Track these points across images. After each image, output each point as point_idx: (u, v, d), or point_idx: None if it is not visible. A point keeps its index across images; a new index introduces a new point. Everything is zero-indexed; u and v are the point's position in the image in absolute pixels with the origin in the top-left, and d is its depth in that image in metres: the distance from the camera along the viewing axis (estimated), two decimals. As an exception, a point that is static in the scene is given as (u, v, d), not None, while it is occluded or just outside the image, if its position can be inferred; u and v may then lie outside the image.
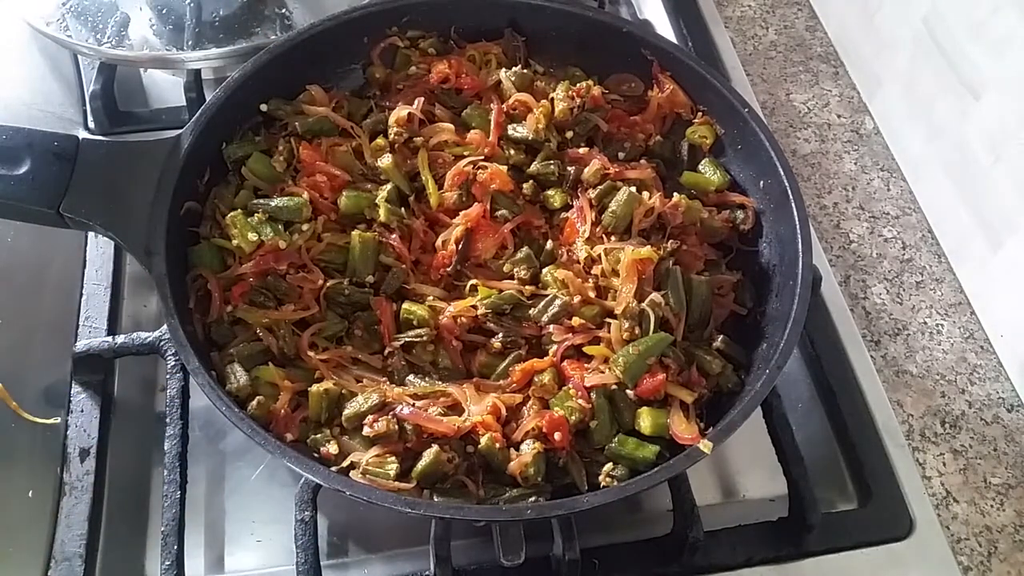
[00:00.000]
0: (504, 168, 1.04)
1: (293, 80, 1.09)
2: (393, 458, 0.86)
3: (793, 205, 0.97)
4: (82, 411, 1.00)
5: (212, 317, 0.95)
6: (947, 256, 1.24)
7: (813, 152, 1.37)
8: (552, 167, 1.05)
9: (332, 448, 0.87)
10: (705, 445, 0.84)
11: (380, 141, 1.06)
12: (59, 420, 1.00)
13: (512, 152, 1.07)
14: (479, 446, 0.88)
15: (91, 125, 1.27)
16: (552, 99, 1.10)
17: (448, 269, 1.00)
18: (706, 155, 1.11)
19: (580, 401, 0.90)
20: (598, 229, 1.01)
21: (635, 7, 1.48)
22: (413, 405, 0.89)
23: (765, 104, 1.41)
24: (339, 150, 1.06)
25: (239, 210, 0.98)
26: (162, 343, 0.99)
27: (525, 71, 1.13)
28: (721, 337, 0.97)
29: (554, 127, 1.09)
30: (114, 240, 0.95)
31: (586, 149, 1.07)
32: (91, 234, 1.15)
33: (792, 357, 0.91)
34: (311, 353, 0.94)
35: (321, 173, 1.03)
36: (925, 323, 1.19)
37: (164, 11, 1.27)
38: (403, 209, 1.03)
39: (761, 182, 1.04)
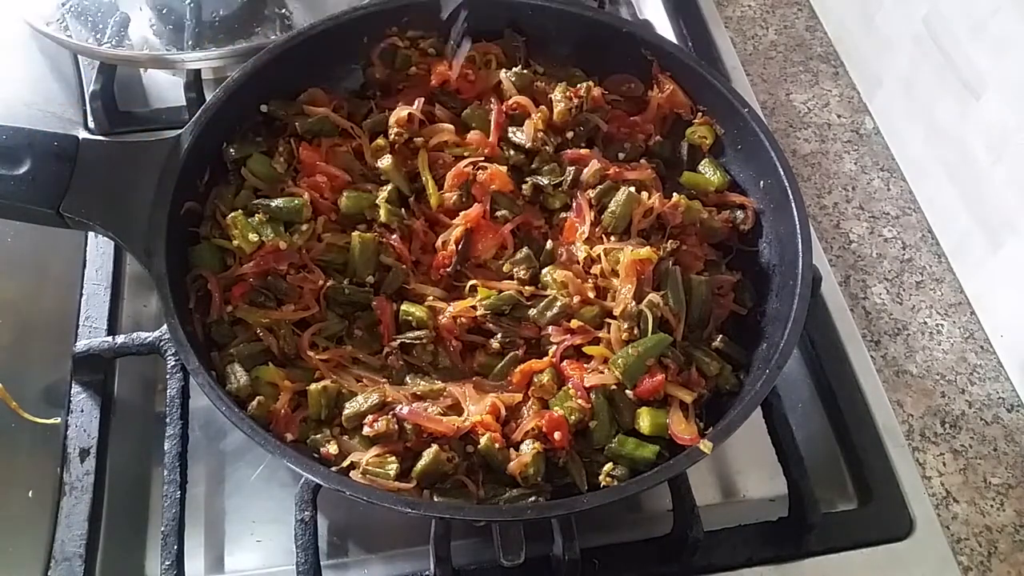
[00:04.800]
0: (504, 169, 1.04)
1: (293, 80, 1.09)
2: (393, 458, 0.86)
3: (793, 205, 0.97)
4: (82, 411, 1.00)
5: (212, 317, 0.95)
6: (947, 256, 1.24)
7: (813, 152, 1.37)
8: (547, 180, 1.04)
9: (332, 448, 0.87)
10: (705, 445, 0.84)
11: (380, 142, 1.06)
12: (59, 420, 1.00)
13: (512, 153, 1.07)
14: (479, 446, 0.88)
15: (91, 125, 1.27)
16: (551, 100, 1.10)
17: (448, 269, 1.00)
18: (706, 155, 1.11)
19: (580, 401, 0.90)
20: (597, 229, 1.01)
21: (635, 7, 1.48)
22: (413, 405, 0.89)
23: (765, 104, 1.41)
24: (339, 150, 1.06)
25: (240, 210, 0.98)
26: (162, 343, 0.99)
27: (525, 71, 1.13)
28: (721, 337, 0.97)
29: (554, 128, 1.09)
30: (114, 240, 0.95)
31: (586, 150, 1.07)
32: (91, 234, 1.15)
33: (792, 357, 0.91)
34: (311, 353, 0.94)
35: (321, 173, 1.03)
36: (925, 323, 1.19)
37: (164, 11, 1.27)
38: (403, 209, 1.03)
39: (761, 182, 1.04)
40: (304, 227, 0.99)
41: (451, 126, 1.08)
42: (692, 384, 0.93)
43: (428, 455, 0.86)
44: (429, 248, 1.03)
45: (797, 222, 0.96)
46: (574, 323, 0.95)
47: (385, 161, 1.04)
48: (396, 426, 0.87)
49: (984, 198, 1.16)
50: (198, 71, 1.23)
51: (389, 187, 1.03)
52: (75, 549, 0.92)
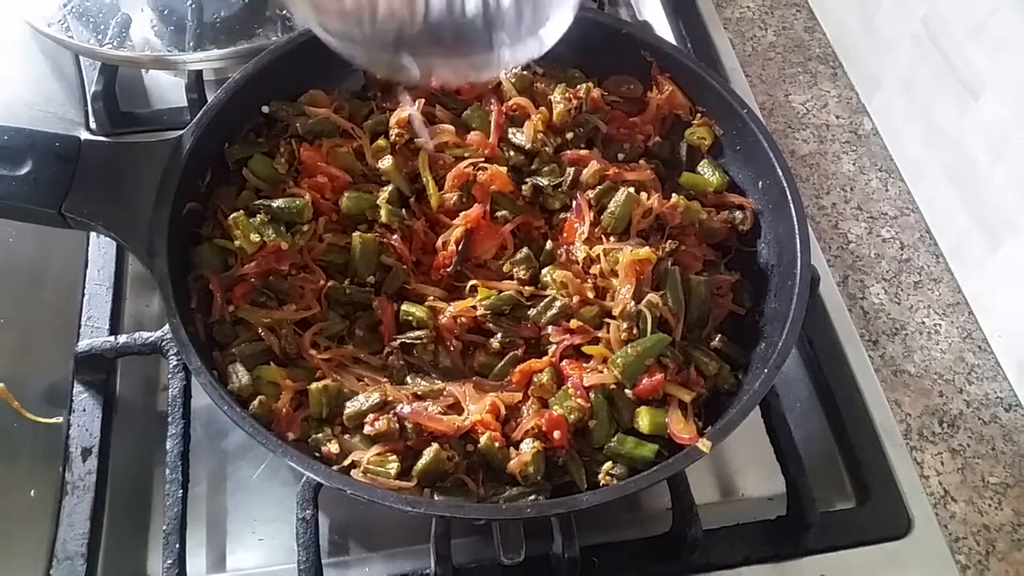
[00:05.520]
0: (504, 169, 1.04)
1: (294, 81, 1.10)
2: (394, 457, 0.86)
3: (791, 205, 0.98)
4: (84, 410, 1.01)
5: (214, 317, 0.96)
6: (945, 256, 1.25)
7: (811, 153, 1.37)
8: (547, 180, 1.05)
9: (333, 447, 0.88)
10: (704, 444, 0.84)
11: (381, 142, 1.07)
12: (61, 419, 1.00)
13: (512, 153, 1.07)
14: (479, 445, 0.88)
15: (93, 126, 1.27)
16: (550, 101, 1.10)
17: (448, 269, 1.01)
18: (705, 156, 1.11)
19: (579, 400, 0.90)
20: (597, 230, 1.02)
21: (634, 9, 1.49)
22: (413, 404, 0.89)
23: (764, 105, 1.42)
24: (340, 151, 1.06)
25: (241, 211, 0.99)
26: (164, 343, 0.99)
27: (525, 72, 1.13)
28: (719, 337, 0.97)
29: (553, 129, 1.10)
30: (116, 240, 0.96)
31: (586, 151, 1.08)
32: (93, 234, 1.15)
33: (790, 357, 0.91)
34: (313, 352, 0.94)
35: (322, 174, 1.03)
36: (923, 323, 1.19)
37: (166, 12, 1.28)
38: (404, 210, 1.03)
39: (760, 183, 1.05)
40: (305, 227, 0.99)
41: (451, 127, 1.08)
42: (691, 383, 0.93)
43: (428, 454, 0.86)
44: (429, 248, 1.03)
45: (795, 222, 0.97)
46: (573, 323, 0.95)
47: (386, 162, 1.04)
48: (397, 425, 0.87)
49: (983, 198, 1.16)
50: (200, 72, 1.23)
51: (390, 188, 1.04)
52: (77, 548, 0.92)
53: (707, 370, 0.95)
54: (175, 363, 0.98)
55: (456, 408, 0.91)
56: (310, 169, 1.04)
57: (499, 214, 1.03)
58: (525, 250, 1.02)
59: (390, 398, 0.90)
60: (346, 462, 0.87)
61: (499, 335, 0.96)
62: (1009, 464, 1.07)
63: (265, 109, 1.07)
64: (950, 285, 1.22)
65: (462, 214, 1.02)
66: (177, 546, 0.89)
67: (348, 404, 0.90)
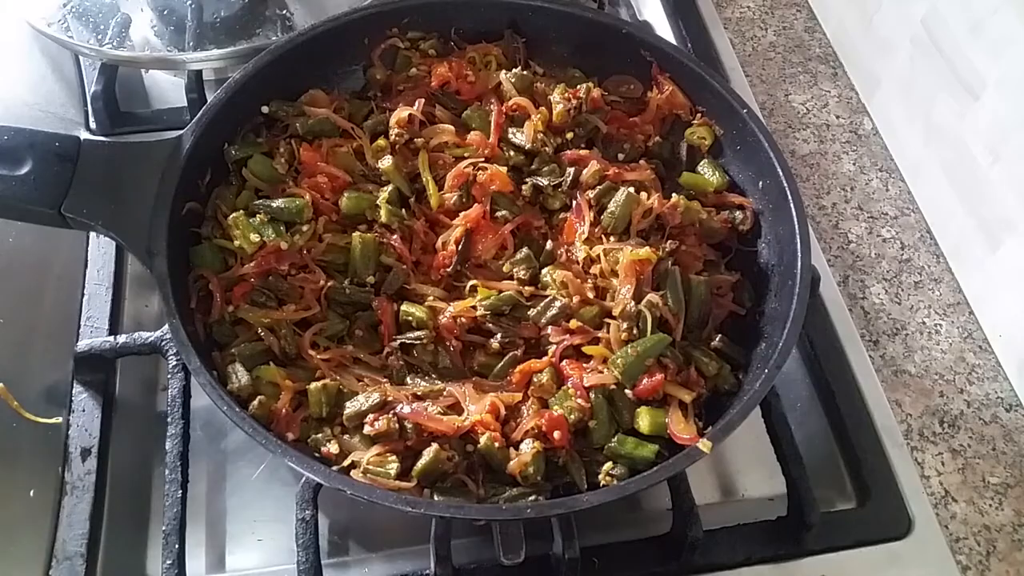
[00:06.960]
0: (504, 169, 1.04)
1: (294, 81, 1.10)
2: (394, 457, 0.86)
3: (792, 205, 0.98)
4: (83, 410, 1.01)
5: (213, 317, 0.96)
6: (945, 256, 1.25)
7: (812, 153, 1.37)
8: (547, 180, 1.05)
9: (333, 447, 0.88)
10: (704, 444, 0.84)
11: (381, 142, 1.07)
12: (60, 419, 1.00)
13: (512, 153, 1.07)
14: (479, 445, 0.88)
15: (92, 126, 1.28)
16: (550, 101, 1.10)
17: (448, 269, 1.00)
18: (705, 156, 1.11)
19: (579, 400, 0.90)
20: (597, 230, 1.01)
21: (635, 8, 1.49)
22: (413, 404, 0.89)
23: (764, 105, 1.42)
24: (340, 151, 1.06)
25: (241, 211, 0.99)
26: (164, 343, 0.99)
27: (525, 72, 1.13)
28: (720, 337, 0.97)
29: (553, 129, 1.10)
30: (116, 240, 0.96)
31: (586, 150, 1.08)
32: (93, 234, 1.15)
33: (791, 357, 0.91)
34: (312, 352, 0.94)
35: (322, 174, 1.03)
36: (923, 323, 1.19)
37: (165, 12, 1.28)
38: (404, 210, 1.03)
39: (760, 183, 1.04)
40: (305, 227, 0.99)
41: (451, 127, 1.08)
42: (691, 384, 0.93)
43: (428, 454, 0.86)
44: (429, 248, 1.03)
45: (796, 222, 0.96)
46: (573, 323, 0.95)
47: (386, 162, 1.04)
48: (397, 425, 0.87)
49: (983, 198, 1.16)
50: (199, 72, 1.23)
51: (389, 188, 1.04)
52: (76, 548, 0.92)
53: (707, 370, 0.95)
54: (175, 363, 0.98)
55: (456, 408, 0.91)
56: (310, 169, 1.04)
57: (499, 214, 1.03)
58: (525, 250, 1.01)
59: (390, 398, 0.90)
60: (346, 462, 0.87)
61: (499, 335, 0.96)
62: (1010, 464, 1.07)
63: (265, 109, 1.08)
64: (950, 285, 1.22)
65: (462, 214, 1.02)
66: (176, 546, 0.89)
67: (348, 404, 0.90)
